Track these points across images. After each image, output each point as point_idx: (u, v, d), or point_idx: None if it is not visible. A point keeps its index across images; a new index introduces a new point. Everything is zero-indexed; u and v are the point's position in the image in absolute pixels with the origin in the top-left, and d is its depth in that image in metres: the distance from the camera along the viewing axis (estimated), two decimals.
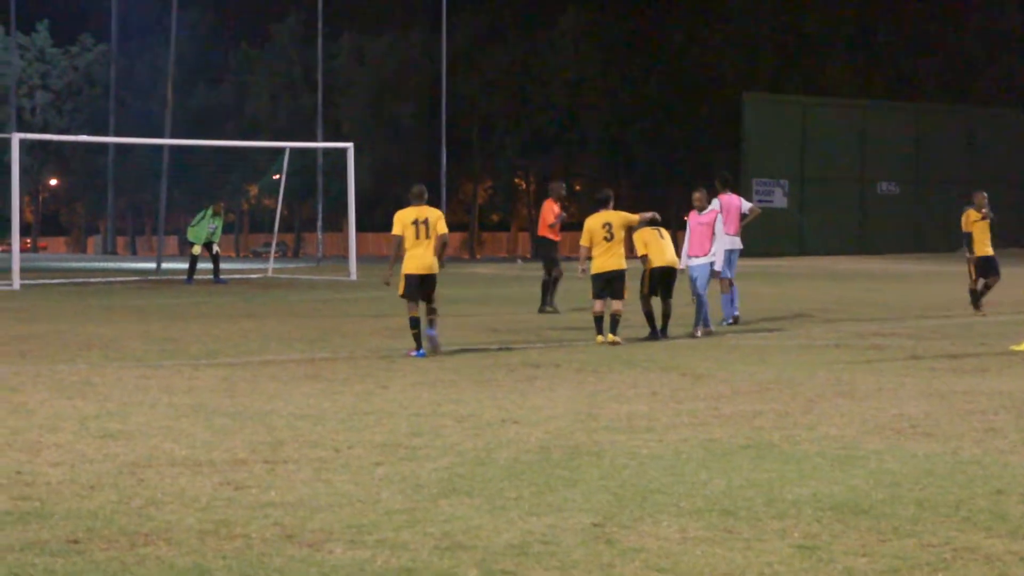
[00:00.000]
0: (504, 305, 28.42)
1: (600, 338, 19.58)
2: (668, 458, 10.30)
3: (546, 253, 26.39)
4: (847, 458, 10.25)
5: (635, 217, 20.17)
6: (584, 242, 20.01)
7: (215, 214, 36.80)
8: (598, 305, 19.82)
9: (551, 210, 26.28)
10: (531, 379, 15.43)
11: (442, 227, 18.22)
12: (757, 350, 18.70)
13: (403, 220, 18.21)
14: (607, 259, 19.78)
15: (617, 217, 19.92)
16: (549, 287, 25.79)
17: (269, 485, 9.36)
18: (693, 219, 21.40)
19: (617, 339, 19.42)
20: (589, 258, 19.97)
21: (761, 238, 26.69)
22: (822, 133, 63.87)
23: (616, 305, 19.72)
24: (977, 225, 24.73)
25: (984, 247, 24.52)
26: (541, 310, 25.60)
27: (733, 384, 14.75)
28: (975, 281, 24.68)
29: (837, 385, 14.58)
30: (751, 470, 9.81)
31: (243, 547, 7.70)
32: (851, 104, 69.89)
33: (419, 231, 18.09)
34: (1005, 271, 25.45)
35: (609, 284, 19.78)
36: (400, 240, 18.20)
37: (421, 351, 17.81)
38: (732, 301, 22.77)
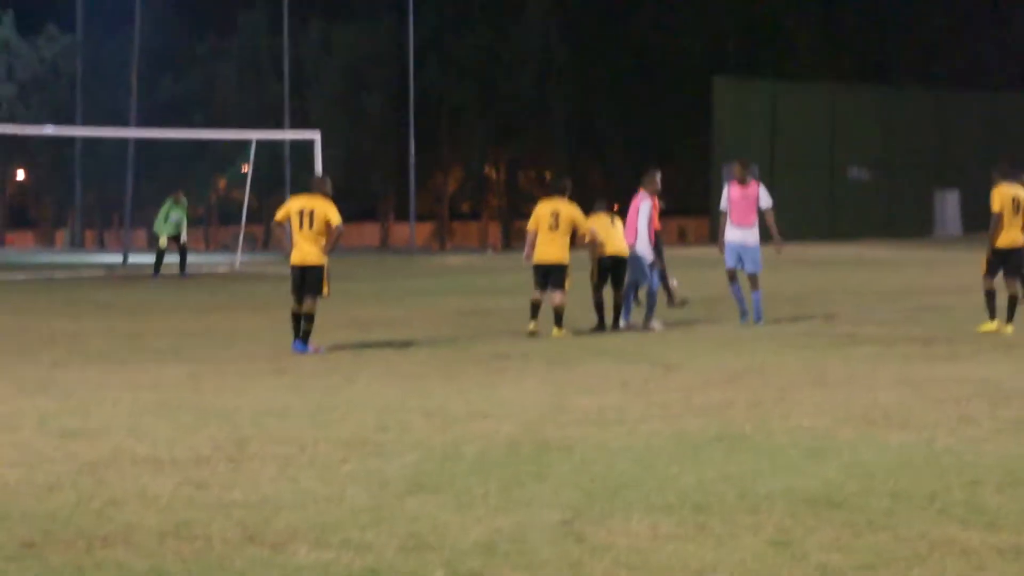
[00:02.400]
0: (474, 296, 28.26)
1: (532, 325, 19.22)
2: (639, 451, 10.15)
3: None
4: (820, 449, 10.10)
5: (585, 226, 19.66)
6: (531, 227, 19.76)
7: (175, 203, 36.43)
8: (536, 294, 19.54)
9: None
10: (500, 371, 15.27)
11: (334, 217, 17.68)
12: (728, 339, 18.57)
13: (288, 208, 17.95)
14: (549, 249, 19.46)
15: (567, 208, 19.57)
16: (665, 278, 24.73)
17: (232, 484, 9.17)
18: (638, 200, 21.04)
19: (562, 333, 19.18)
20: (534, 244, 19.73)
21: None
22: (792, 118, 63.86)
23: (556, 298, 19.38)
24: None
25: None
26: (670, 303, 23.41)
27: (704, 374, 14.60)
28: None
29: (809, 373, 14.45)
30: (723, 463, 9.65)
31: (203, 548, 7.51)
32: (821, 88, 69.78)
33: (303, 221, 17.67)
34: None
35: (548, 275, 19.49)
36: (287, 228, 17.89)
37: (295, 343, 17.50)
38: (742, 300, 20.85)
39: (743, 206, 20.53)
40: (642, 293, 20.82)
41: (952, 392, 12.88)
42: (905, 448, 10.11)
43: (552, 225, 19.43)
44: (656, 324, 20.41)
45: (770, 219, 20.49)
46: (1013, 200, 18.96)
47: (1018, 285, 19.05)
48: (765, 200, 20.54)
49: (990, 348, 16.87)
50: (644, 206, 20.76)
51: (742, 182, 20.64)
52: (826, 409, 11.96)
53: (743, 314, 20.52)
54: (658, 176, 21.26)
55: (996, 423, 11.13)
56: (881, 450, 10.04)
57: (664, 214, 23.01)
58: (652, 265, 20.79)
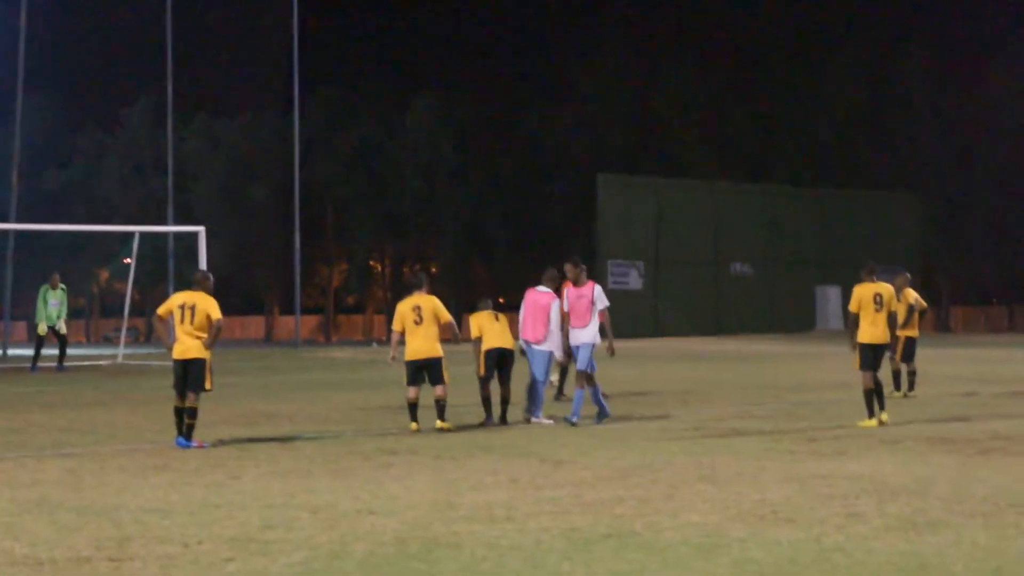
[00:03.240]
0: (360, 390, 28.06)
1: (414, 425, 19.19)
2: (528, 549, 10.05)
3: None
4: (710, 546, 10.06)
5: (446, 315, 19.67)
6: (396, 327, 19.74)
7: (52, 288, 35.74)
8: (412, 392, 19.48)
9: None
10: (387, 466, 15.13)
11: (214, 312, 17.58)
12: (617, 435, 18.54)
13: (170, 303, 17.86)
14: (418, 344, 19.50)
15: (428, 302, 19.61)
16: (565, 374, 24.43)
17: None
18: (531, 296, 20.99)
19: (447, 425, 19.15)
20: (401, 343, 19.70)
21: (617, 319, 26.67)
22: (676, 214, 64.34)
23: (438, 391, 19.39)
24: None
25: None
26: (557, 398, 24.11)
27: (594, 470, 14.54)
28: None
29: (698, 470, 14.44)
30: (613, 560, 9.58)
31: None
32: (704, 186, 70.51)
33: (184, 315, 17.59)
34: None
35: (422, 371, 19.50)
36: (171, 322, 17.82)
37: (179, 439, 17.33)
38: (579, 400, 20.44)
39: (578, 307, 20.52)
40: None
41: (839, 488, 12.91)
42: (794, 545, 10.10)
43: (416, 320, 19.47)
44: (544, 419, 20.37)
45: (603, 319, 20.45)
46: (875, 297, 19.92)
47: (877, 377, 19.87)
48: (600, 301, 20.51)
49: (875, 444, 16.99)
50: (555, 305, 20.71)
51: (576, 283, 20.66)
52: (715, 506, 11.94)
53: (599, 415, 20.36)
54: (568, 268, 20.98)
55: (884, 520, 11.16)
56: (771, 547, 10.02)
57: None
58: (560, 363, 20.81)
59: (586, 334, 20.37)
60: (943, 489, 12.88)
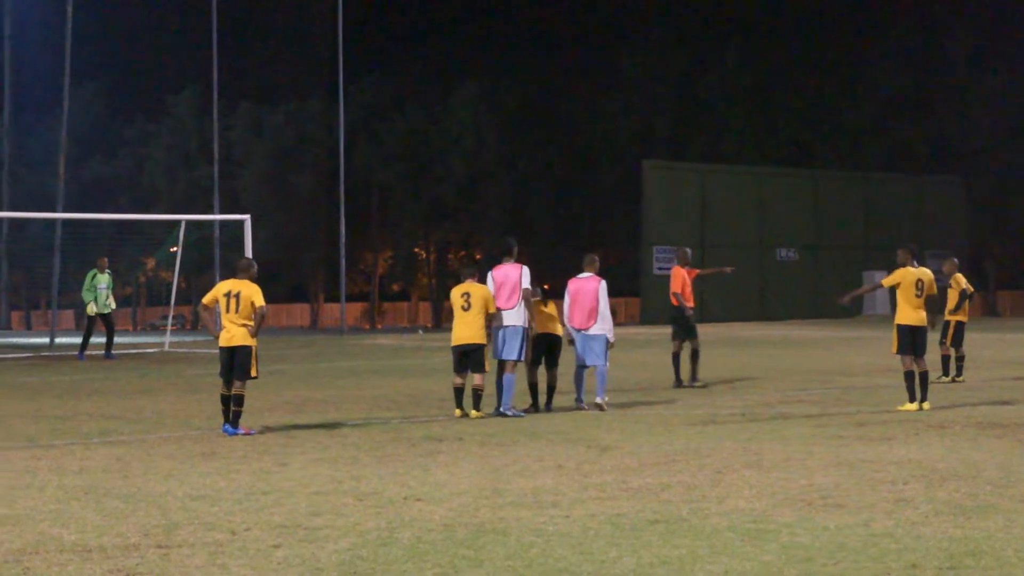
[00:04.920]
0: (406, 377, 28.08)
1: (457, 411, 19.36)
2: (576, 535, 10.03)
3: (678, 321, 24.88)
4: (758, 532, 10.02)
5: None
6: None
7: (100, 271, 35.62)
8: (457, 379, 19.61)
9: (679, 276, 24.93)
10: (434, 453, 15.13)
11: (258, 299, 17.60)
12: (663, 420, 18.50)
13: (216, 291, 17.92)
14: (463, 330, 19.59)
15: (478, 290, 19.70)
16: (678, 360, 24.37)
17: (162, 572, 8.99)
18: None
19: (482, 414, 19.15)
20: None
21: (662, 305, 26.56)
22: (721, 200, 64.12)
23: (476, 379, 19.44)
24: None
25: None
26: (677, 385, 24.05)
27: (640, 456, 14.51)
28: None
29: (745, 456, 14.38)
30: (661, 546, 9.55)
31: None
32: (749, 171, 70.27)
33: (229, 304, 17.63)
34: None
35: (466, 356, 19.55)
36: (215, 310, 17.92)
37: (226, 426, 17.40)
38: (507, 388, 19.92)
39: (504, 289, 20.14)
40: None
41: (888, 474, 12.84)
42: (843, 531, 10.05)
43: (464, 307, 19.58)
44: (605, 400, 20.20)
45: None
46: (916, 283, 19.99)
47: (925, 363, 19.94)
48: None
49: (924, 429, 16.89)
50: (601, 287, 20.57)
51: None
52: (763, 491, 11.89)
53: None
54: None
55: (933, 505, 11.09)
56: (819, 533, 9.97)
57: None
58: (611, 345, 20.66)
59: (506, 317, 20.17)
60: (993, 474, 12.81)
